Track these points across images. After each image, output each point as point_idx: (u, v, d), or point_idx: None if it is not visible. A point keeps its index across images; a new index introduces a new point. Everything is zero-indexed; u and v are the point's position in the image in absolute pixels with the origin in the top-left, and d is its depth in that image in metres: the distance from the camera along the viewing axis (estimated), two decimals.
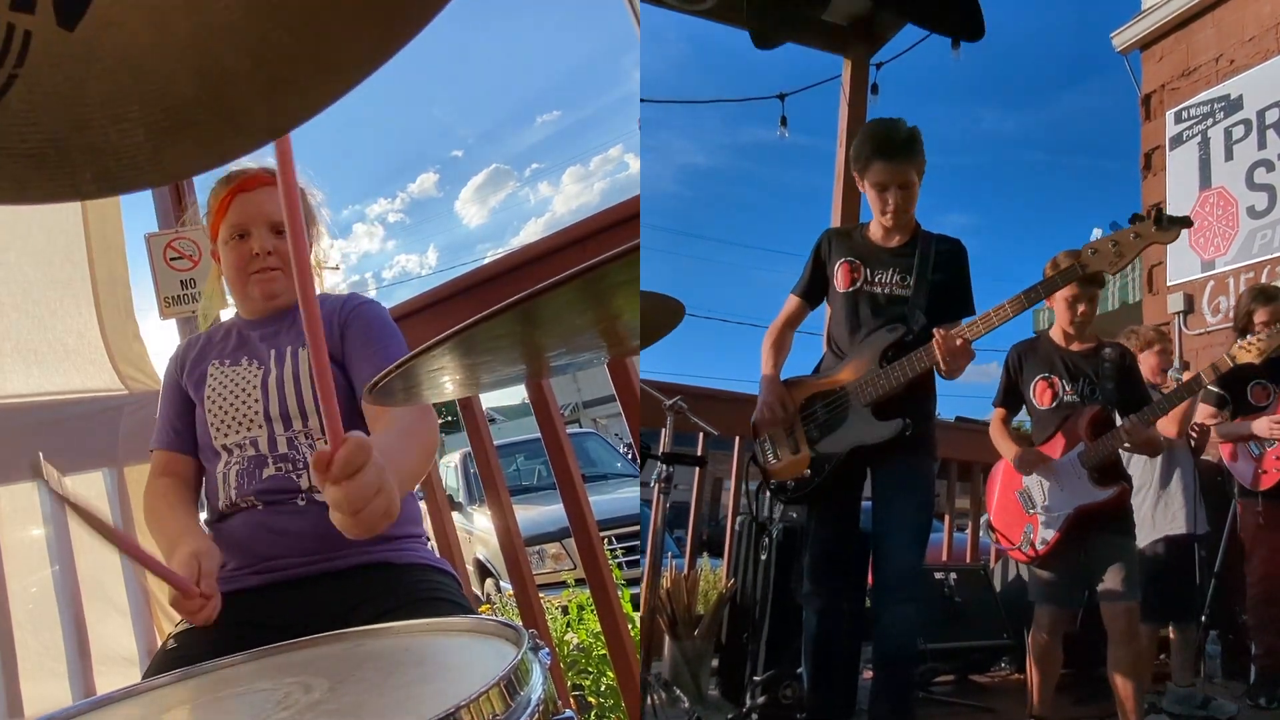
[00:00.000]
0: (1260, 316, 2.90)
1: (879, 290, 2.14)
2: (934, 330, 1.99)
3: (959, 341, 1.96)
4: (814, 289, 2.25)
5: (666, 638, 2.74)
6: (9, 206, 2.38)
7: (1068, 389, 2.29)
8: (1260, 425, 2.90)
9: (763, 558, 2.63)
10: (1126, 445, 2.27)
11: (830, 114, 3.53)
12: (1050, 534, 2.25)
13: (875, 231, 2.20)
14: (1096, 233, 6.43)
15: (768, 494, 2.37)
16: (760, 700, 2.42)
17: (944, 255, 2.13)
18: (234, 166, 1.76)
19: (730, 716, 2.47)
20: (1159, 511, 2.90)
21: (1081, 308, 2.28)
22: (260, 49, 0.69)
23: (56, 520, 2.28)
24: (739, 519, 2.91)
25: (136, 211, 2.63)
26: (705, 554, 3.32)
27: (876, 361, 2.07)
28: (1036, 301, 2.03)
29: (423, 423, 1.55)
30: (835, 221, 3.31)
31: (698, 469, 2.91)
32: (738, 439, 2.98)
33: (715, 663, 2.77)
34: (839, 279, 2.18)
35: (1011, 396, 2.43)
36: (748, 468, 2.39)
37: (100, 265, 2.48)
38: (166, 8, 0.67)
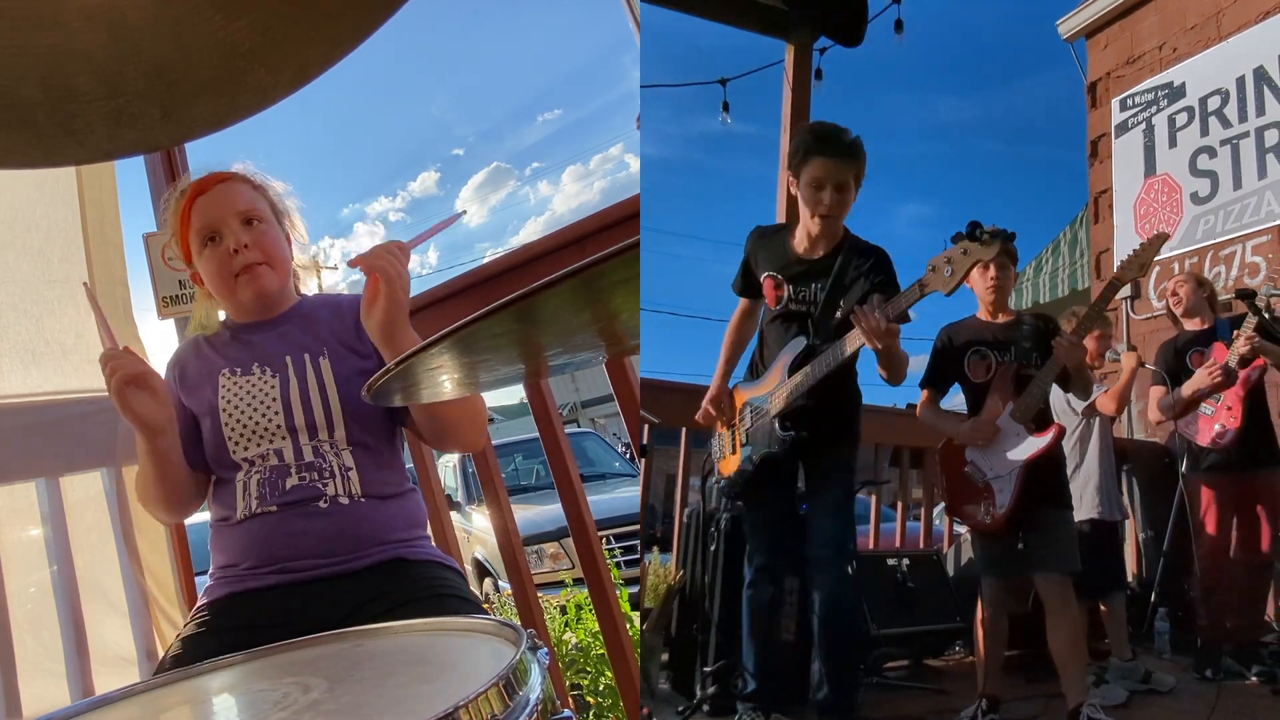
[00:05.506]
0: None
1: (799, 309, 2.17)
2: (854, 309, 1.98)
3: (879, 321, 1.92)
4: (750, 289, 2.29)
5: None
6: (7, 206, 2.38)
7: (998, 359, 2.35)
8: (1196, 378, 2.95)
9: (711, 548, 2.63)
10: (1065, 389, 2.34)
11: (775, 101, 3.43)
12: (1005, 498, 2.26)
13: (800, 239, 2.17)
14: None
15: (715, 486, 2.43)
16: (711, 691, 2.41)
17: (866, 265, 2.10)
18: (184, 182, 1.74)
19: (681, 709, 2.44)
20: (1086, 492, 3.00)
21: (992, 273, 2.36)
22: (115, 82, 0.75)
23: (55, 520, 2.27)
24: (686, 510, 2.88)
25: (135, 211, 2.63)
26: (655, 549, 3.30)
27: (784, 374, 2.13)
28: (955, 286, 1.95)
29: (469, 399, 1.62)
30: (780, 213, 3.18)
31: (644, 460, 2.90)
32: (684, 430, 2.92)
33: (665, 656, 2.72)
34: (766, 294, 2.22)
35: (941, 377, 2.45)
36: (705, 461, 2.42)
37: (98, 265, 2.47)
38: (24, 25, 0.72)
